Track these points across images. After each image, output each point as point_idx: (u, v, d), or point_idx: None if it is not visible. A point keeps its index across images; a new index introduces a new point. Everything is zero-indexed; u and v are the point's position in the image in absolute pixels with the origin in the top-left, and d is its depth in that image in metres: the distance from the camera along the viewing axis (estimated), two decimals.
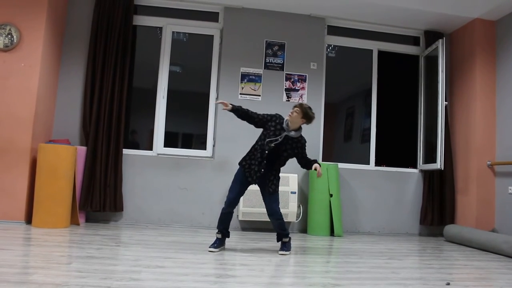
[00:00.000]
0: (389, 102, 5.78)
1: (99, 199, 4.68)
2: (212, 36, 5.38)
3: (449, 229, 5.02)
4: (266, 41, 5.34)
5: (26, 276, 2.38)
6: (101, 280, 2.40)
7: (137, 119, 5.51)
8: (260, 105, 5.14)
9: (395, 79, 5.97)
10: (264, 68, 5.31)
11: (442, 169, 5.19)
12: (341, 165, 5.32)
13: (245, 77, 5.26)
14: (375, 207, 5.44)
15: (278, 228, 3.61)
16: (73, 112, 4.92)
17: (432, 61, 5.52)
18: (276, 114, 3.60)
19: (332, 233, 5.02)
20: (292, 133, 3.50)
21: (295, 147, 3.54)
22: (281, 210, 3.67)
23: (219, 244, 3.60)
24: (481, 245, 4.42)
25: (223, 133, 5.14)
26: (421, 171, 5.61)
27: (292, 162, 3.71)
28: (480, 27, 5.25)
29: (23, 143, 4.29)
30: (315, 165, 3.52)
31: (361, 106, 6.05)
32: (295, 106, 3.52)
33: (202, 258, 3.22)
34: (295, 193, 4.92)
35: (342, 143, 6.33)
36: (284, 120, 3.54)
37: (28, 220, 4.29)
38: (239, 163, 3.63)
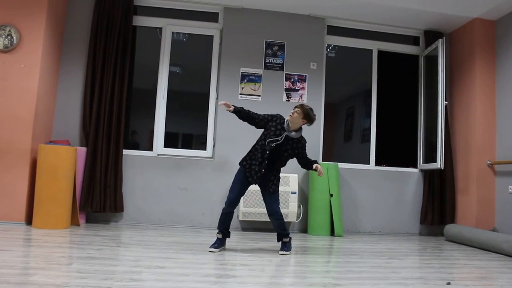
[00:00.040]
0: (389, 102, 5.79)
1: (99, 199, 4.68)
2: (212, 36, 5.38)
3: (450, 228, 5.02)
4: (266, 41, 5.34)
5: (27, 277, 2.38)
6: (101, 280, 2.40)
7: (137, 120, 5.51)
8: (260, 105, 5.14)
9: (395, 79, 5.97)
10: (264, 68, 5.31)
11: (442, 168, 5.19)
12: (341, 165, 5.32)
13: (245, 77, 5.26)
14: (375, 207, 5.44)
15: (279, 228, 3.61)
16: (73, 112, 4.92)
17: (432, 61, 5.52)
18: (277, 114, 3.60)
19: (332, 233, 5.02)
20: (293, 134, 3.50)
21: (295, 148, 3.54)
22: (282, 210, 3.67)
23: (219, 244, 3.60)
24: (482, 245, 4.42)
25: (223, 133, 5.14)
26: (421, 170, 5.61)
27: (292, 163, 3.71)
28: (480, 27, 5.25)
29: (23, 144, 4.29)
30: (316, 164, 3.52)
31: (361, 106, 6.05)
32: (296, 107, 3.52)
33: (203, 259, 3.22)
34: (295, 193, 4.92)
35: (342, 143, 6.33)
36: (285, 120, 3.54)
37: (29, 221, 4.29)
38: (240, 163, 3.64)
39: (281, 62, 5.35)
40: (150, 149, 5.19)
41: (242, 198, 3.73)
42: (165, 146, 5.17)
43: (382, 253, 3.96)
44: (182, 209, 5.01)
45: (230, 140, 5.10)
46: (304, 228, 5.17)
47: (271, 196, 3.56)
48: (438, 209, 5.41)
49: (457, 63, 5.63)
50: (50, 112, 4.79)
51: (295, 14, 5.41)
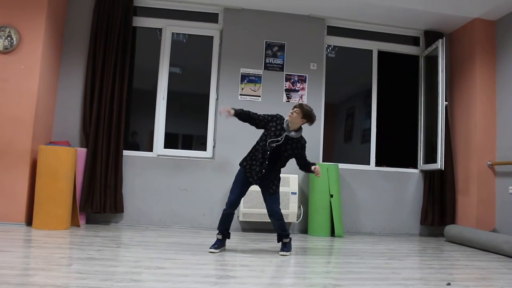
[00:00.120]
0: (389, 103, 5.78)
1: (100, 200, 4.68)
2: (212, 37, 5.38)
3: (450, 229, 5.01)
4: (266, 41, 5.34)
5: (27, 278, 2.38)
6: (101, 281, 2.39)
7: (137, 120, 5.51)
8: (260, 106, 5.14)
9: (395, 79, 5.97)
10: (264, 69, 5.31)
11: (443, 169, 5.19)
12: (341, 166, 5.32)
13: (245, 78, 5.26)
14: (376, 207, 5.43)
15: (279, 228, 3.61)
16: (73, 113, 4.92)
17: (432, 61, 5.52)
18: (277, 114, 3.60)
19: (332, 233, 5.02)
20: (292, 134, 3.50)
21: (295, 148, 3.54)
22: (282, 211, 3.67)
23: (219, 245, 3.59)
24: (482, 245, 4.41)
25: (223, 134, 5.14)
26: (422, 171, 5.60)
27: (293, 163, 3.70)
28: (480, 27, 5.25)
29: (23, 145, 4.29)
30: (314, 166, 3.53)
31: (361, 106, 6.05)
32: (295, 107, 3.53)
33: (203, 259, 3.22)
34: (295, 193, 4.91)
35: (343, 144, 6.33)
36: (284, 120, 3.54)
37: (29, 222, 4.29)
38: (240, 164, 3.64)
39: (281, 63, 5.35)
40: (150, 149, 5.19)
41: (242, 199, 3.73)
42: (165, 147, 5.17)
43: (383, 253, 3.96)
44: (182, 210, 5.01)
45: (230, 141, 5.10)
46: (304, 229, 5.17)
47: (271, 197, 3.57)
48: (438, 210, 5.41)
49: (457, 63, 5.62)
50: (50, 113, 4.79)
51: (295, 15, 5.41)
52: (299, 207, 5.10)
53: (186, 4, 5.27)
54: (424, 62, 5.74)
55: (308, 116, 3.50)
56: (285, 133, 3.49)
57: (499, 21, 5.22)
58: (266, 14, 5.35)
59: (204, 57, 5.40)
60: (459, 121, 5.49)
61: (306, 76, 5.39)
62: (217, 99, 5.26)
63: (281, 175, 3.68)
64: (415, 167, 5.68)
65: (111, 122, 4.81)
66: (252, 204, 4.75)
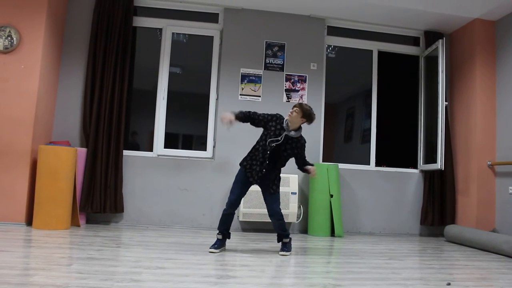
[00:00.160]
0: (389, 103, 5.78)
1: (100, 200, 4.68)
2: (212, 37, 5.38)
3: (450, 229, 5.01)
4: (266, 42, 5.34)
5: (27, 278, 2.38)
6: (101, 281, 2.40)
7: (137, 120, 5.51)
8: (260, 106, 5.14)
9: (395, 80, 5.97)
10: (264, 69, 5.31)
11: (443, 169, 5.19)
12: (341, 166, 5.32)
13: (245, 78, 5.27)
14: (376, 207, 5.44)
15: (279, 228, 3.61)
16: (73, 113, 4.92)
17: (432, 61, 5.52)
18: (277, 114, 3.60)
19: (332, 233, 5.02)
20: (292, 133, 3.50)
21: (294, 147, 3.54)
22: (282, 211, 3.67)
23: (219, 245, 3.60)
24: (482, 245, 4.41)
25: (223, 134, 5.14)
26: (422, 171, 5.60)
27: (293, 163, 3.71)
28: (480, 27, 5.25)
29: (23, 145, 4.29)
30: (309, 167, 3.55)
31: (361, 106, 6.05)
32: (294, 106, 3.53)
33: (203, 259, 3.22)
34: (295, 193, 4.92)
35: (343, 144, 6.33)
36: (284, 120, 3.54)
37: (29, 222, 4.29)
38: (240, 164, 3.64)
39: (281, 63, 5.35)
40: (150, 149, 5.19)
41: (242, 199, 3.73)
42: (165, 147, 5.17)
43: (383, 253, 3.96)
44: (182, 210, 5.01)
45: (230, 141, 5.10)
46: (304, 229, 5.17)
47: (272, 197, 3.57)
48: (438, 210, 5.41)
49: (457, 63, 5.62)
50: (50, 113, 4.79)
51: (295, 15, 5.41)
52: (299, 207, 5.10)
53: (186, 4, 5.28)
54: (424, 62, 5.75)
55: (307, 115, 3.50)
56: (285, 133, 3.49)
57: (499, 21, 5.22)
58: (266, 14, 5.35)
59: (204, 57, 5.41)
60: (459, 121, 5.49)
61: (306, 76, 5.39)
62: (217, 99, 5.26)
63: (281, 175, 3.69)
64: (415, 167, 5.68)
65: (111, 122, 4.81)
66: (252, 204, 4.75)
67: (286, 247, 3.63)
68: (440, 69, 5.24)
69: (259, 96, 5.27)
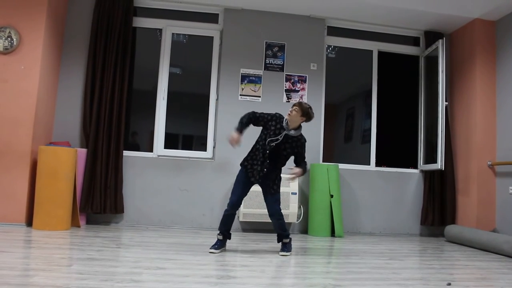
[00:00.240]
0: (389, 103, 5.78)
1: (100, 201, 4.68)
2: (212, 37, 5.38)
3: (450, 229, 5.01)
4: (266, 42, 5.34)
5: (27, 279, 2.38)
6: (101, 282, 2.39)
7: (137, 121, 5.51)
8: (260, 106, 5.14)
9: (395, 80, 5.97)
10: (264, 69, 5.31)
11: (443, 169, 5.19)
12: (341, 166, 5.32)
13: (245, 78, 5.27)
14: (376, 207, 5.43)
15: (279, 228, 3.61)
16: (73, 113, 4.92)
17: (432, 61, 5.52)
18: (276, 113, 3.61)
19: (332, 233, 5.01)
20: (292, 132, 3.50)
21: (295, 146, 3.55)
22: (282, 211, 3.66)
23: (220, 245, 3.60)
24: (482, 245, 4.41)
25: (223, 134, 5.12)
26: (422, 171, 5.60)
27: (292, 163, 3.70)
28: (480, 27, 5.25)
29: (23, 145, 4.29)
30: (297, 169, 3.54)
31: (361, 106, 6.05)
32: (294, 105, 3.54)
33: (203, 260, 3.22)
34: (295, 194, 4.91)
35: (343, 144, 6.33)
36: (284, 119, 3.55)
37: (29, 222, 4.29)
38: (241, 164, 3.64)
39: (281, 63, 5.35)
40: (151, 150, 5.19)
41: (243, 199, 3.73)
42: (165, 147, 5.17)
43: (383, 254, 3.96)
44: (182, 210, 5.01)
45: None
46: (304, 229, 5.17)
47: (272, 196, 3.57)
48: (438, 210, 5.41)
49: (457, 63, 5.62)
50: (50, 113, 4.79)
51: (295, 15, 5.41)
52: (299, 207, 5.10)
53: (186, 5, 5.27)
54: (424, 62, 5.74)
55: (306, 113, 3.51)
56: (285, 132, 3.50)
57: (499, 21, 5.22)
58: (266, 15, 5.35)
59: (204, 57, 5.40)
60: (459, 121, 5.49)
61: (306, 76, 5.39)
62: (217, 100, 5.26)
63: (281, 175, 3.68)
64: (415, 167, 5.68)
65: (111, 122, 4.81)
66: (252, 205, 4.75)
67: (286, 248, 3.63)
68: (440, 69, 5.24)
69: (259, 97, 5.27)
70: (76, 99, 4.94)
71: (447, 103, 5.36)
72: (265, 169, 3.51)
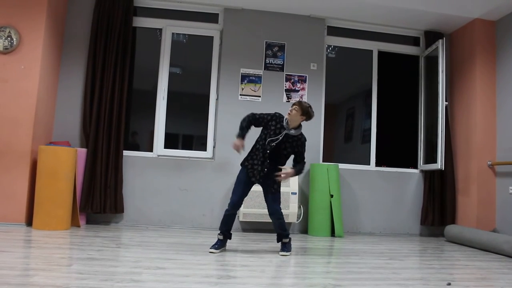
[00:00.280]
0: (389, 103, 5.78)
1: (100, 201, 4.68)
2: (212, 37, 5.38)
3: (450, 229, 5.01)
4: (266, 42, 5.34)
5: (27, 278, 2.38)
6: (101, 281, 2.39)
7: (137, 121, 5.51)
8: (260, 106, 5.14)
9: (395, 80, 5.97)
10: (264, 69, 5.31)
11: (443, 169, 5.19)
12: (341, 166, 5.32)
13: (245, 78, 5.26)
14: (376, 207, 5.43)
15: (279, 228, 3.61)
16: (73, 113, 4.92)
17: (432, 61, 5.52)
18: (276, 113, 3.61)
19: (332, 233, 5.01)
20: (292, 131, 3.51)
21: (295, 146, 3.55)
22: (282, 211, 3.66)
23: (220, 245, 3.60)
24: (482, 245, 4.41)
25: (223, 134, 5.14)
26: (422, 171, 5.60)
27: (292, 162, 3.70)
28: (480, 27, 5.25)
29: (23, 145, 4.29)
30: (290, 169, 3.53)
31: (361, 106, 6.05)
32: (293, 104, 3.54)
33: (203, 259, 3.22)
34: (295, 194, 4.91)
35: (343, 144, 6.33)
36: (284, 118, 3.55)
37: (29, 222, 4.29)
38: (241, 164, 3.65)
39: (281, 63, 5.35)
40: (151, 150, 5.19)
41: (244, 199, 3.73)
42: (165, 147, 5.17)
43: (383, 253, 3.96)
44: (182, 210, 5.01)
45: (230, 141, 5.02)
46: (304, 229, 5.17)
47: (273, 196, 3.57)
48: (438, 210, 5.41)
49: (457, 63, 5.62)
50: (50, 113, 4.79)
51: (295, 15, 5.41)
52: (299, 207, 5.10)
53: (186, 4, 5.27)
54: (424, 62, 5.74)
55: (306, 112, 3.51)
56: (285, 131, 3.50)
57: (499, 21, 5.22)
58: (266, 14, 5.35)
59: (204, 57, 5.40)
60: (459, 121, 5.49)
61: (306, 76, 5.39)
62: (217, 99, 5.26)
63: None
64: (415, 167, 5.68)
65: (111, 122, 4.81)
66: (253, 204, 4.75)
67: (286, 247, 3.63)
68: (440, 69, 5.23)
69: (259, 96, 5.26)
70: (76, 99, 4.94)
71: (447, 103, 5.36)
72: (265, 169, 3.52)
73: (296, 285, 2.64)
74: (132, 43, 5.08)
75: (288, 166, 3.66)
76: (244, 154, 3.69)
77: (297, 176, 4.90)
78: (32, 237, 3.75)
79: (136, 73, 5.36)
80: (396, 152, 5.79)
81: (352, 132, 6.24)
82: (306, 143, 3.63)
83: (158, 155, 5.12)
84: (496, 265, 3.65)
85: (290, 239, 3.68)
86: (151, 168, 5.01)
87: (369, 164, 5.60)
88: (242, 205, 4.66)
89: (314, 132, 5.25)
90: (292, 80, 5.35)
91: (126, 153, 4.94)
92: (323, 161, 5.44)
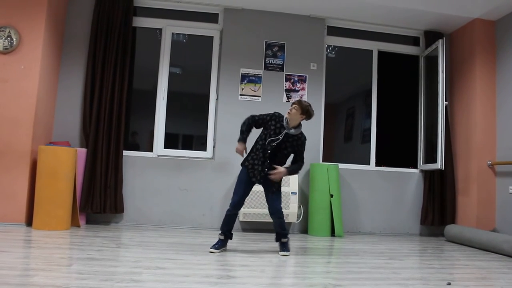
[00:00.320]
0: (389, 103, 5.78)
1: (100, 201, 4.68)
2: (212, 37, 5.38)
3: (450, 229, 5.01)
4: (266, 42, 5.34)
5: (27, 278, 2.38)
6: (101, 281, 2.39)
7: (137, 121, 5.51)
8: (260, 106, 5.14)
9: (395, 80, 5.97)
10: (264, 69, 5.31)
11: (443, 169, 5.19)
12: (341, 166, 5.32)
13: (245, 78, 5.26)
14: (376, 207, 5.43)
15: (279, 227, 3.62)
16: (73, 113, 4.92)
17: (432, 61, 5.52)
18: (275, 112, 3.61)
19: (332, 233, 5.01)
20: (292, 131, 3.51)
21: (295, 145, 3.55)
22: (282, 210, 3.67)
23: (220, 245, 3.60)
24: (482, 245, 4.41)
25: (223, 134, 5.14)
26: (422, 171, 5.60)
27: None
28: (480, 27, 5.25)
29: (23, 145, 4.29)
30: (282, 168, 3.52)
31: (361, 106, 6.05)
32: (293, 103, 3.55)
33: (203, 259, 3.22)
34: (295, 193, 4.91)
35: (343, 144, 6.33)
36: (284, 118, 3.55)
37: (29, 222, 4.29)
38: (242, 164, 3.65)
39: (281, 63, 5.35)
40: (150, 150, 5.19)
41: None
42: (165, 147, 5.17)
43: (383, 253, 3.96)
44: (182, 210, 5.01)
45: (230, 141, 5.08)
46: (304, 229, 5.17)
47: (274, 195, 3.58)
48: (438, 210, 5.41)
49: (457, 63, 5.62)
50: (50, 113, 4.79)
51: (295, 15, 5.41)
52: (299, 207, 5.10)
53: (186, 4, 5.27)
54: (424, 62, 5.74)
55: (306, 111, 3.51)
56: (285, 131, 3.50)
57: (499, 21, 5.22)
58: (266, 14, 5.35)
59: (204, 57, 5.40)
60: (459, 121, 5.49)
61: (306, 76, 5.39)
62: (217, 99, 5.26)
63: None
64: (415, 167, 5.68)
65: (111, 122, 4.81)
66: (252, 204, 4.75)
67: (285, 247, 3.63)
68: (440, 69, 5.23)
69: (259, 96, 5.26)
70: (76, 99, 4.94)
71: (447, 103, 5.36)
72: (266, 169, 3.52)
73: (296, 285, 2.64)
74: (132, 43, 5.08)
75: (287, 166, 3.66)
76: (245, 154, 3.70)
77: (297, 176, 4.95)
78: (32, 237, 3.75)
79: (136, 73, 5.36)
80: (396, 152, 5.79)
81: (352, 132, 6.24)
82: (306, 143, 3.64)
83: (158, 155, 5.12)
84: (496, 264, 3.65)
85: (288, 239, 3.68)
86: (151, 168, 5.01)
87: (369, 164, 5.60)
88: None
89: (314, 132, 5.25)
90: (292, 80, 5.35)
91: (126, 153, 4.94)
92: (323, 161, 5.44)
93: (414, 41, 5.89)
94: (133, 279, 2.51)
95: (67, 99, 4.93)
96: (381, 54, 5.78)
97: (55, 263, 2.79)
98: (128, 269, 2.76)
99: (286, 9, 5.32)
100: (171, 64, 5.31)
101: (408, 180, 5.56)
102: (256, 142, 3.61)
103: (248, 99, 5.24)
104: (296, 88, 5.35)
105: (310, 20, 5.46)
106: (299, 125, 3.57)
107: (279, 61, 5.34)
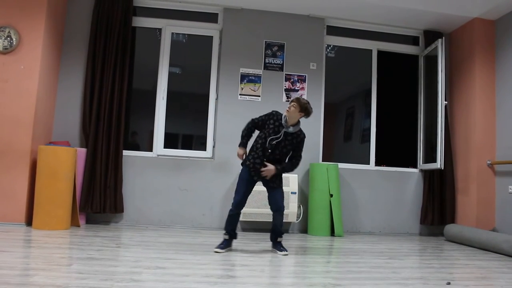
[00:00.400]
0: (389, 102, 5.79)
1: (99, 200, 4.68)
2: (212, 37, 5.38)
3: (450, 228, 5.01)
4: (266, 41, 5.34)
5: (27, 278, 2.38)
6: (101, 281, 2.40)
7: (137, 120, 5.51)
8: (259, 106, 5.14)
9: (395, 79, 5.97)
10: (264, 69, 5.31)
11: (442, 168, 5.19)
12: (341, 165, 5.32)
13: (244, 78, 5.27)
14: (376, 207, 5.44)
15: (279, 225, 3.63)
16: (73, 113, 4.92)
17: (431, 60, 5.52)
18: (273, 111, 3.62)
19: (332, 233, 5.02)
20: (291, 129, 3.52)
21: (294, 143, 3.57)
22: None
23: (226, 245, 3.61)
24: (482, 245, 4.42)
25: (223, 133, 5.14)
26: (421, 170, 5.61)
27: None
28: (479, 26, 5.25)
29: (23, 145, 4.29)
30: (271, 166, 3.51)
31: (361, 106, 6.05)
32: (292, 101, 3.56)
33: (203, 259, 3.22)
34: (295, 193, 4.91)
35: (342, 143, 6.33)
36: (282, 116, 3.55)
37: (29, 222, 4.29)
38: (243, 163, 3.65)
39: (281, 63, 5.35)
40: (150, 149, 5.19)
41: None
42: (165, 147, 5.17)
43: (382, 253, 3.96)
44: (182, 210, 5.01)
45: (230, 141, 5.09)
46: (304, 229, 5.17)
47: (276, 191, 3.59)
48: (438, 209, 5.41)
49: (456, 63, 5.63)
50: (49, 113, 4.79)
51: (295, 15, 5.41)
52: (299, 206, 5.10)
53: (186, 4, 5.27)
54: (423, 62, 5.75)
55: (305, 108, 3.52)
56: (284, 129, 3.50)
57: (499, 20, 5.22)
58: (266, 14, 5.35)
59: (204, 57, 5.40)
60: (459, 120, 5.50)
61: (305, 76, 5.39)
62: (217, 99, 5.26)
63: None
64: (415, 166, 5.68)
65: (111, 122, 4.81)
66: (253, 204, 4.75)
67: (282, 247, 3.65)
68: (440, 68, 5.24)
69: (259, 96, 5.27)
70: (76, 99, 4.94)
71: (446, 102, 5.36)
72: (266, 167, 3.53)
73: (296, 284, 2.65)
74: (132, 43, 5.08)
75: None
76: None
77: (296, 176, 4.96)
78: (32, 237, 3.75)
79: (136, 73, 5.36)
80: (395, 152, 5.79)
81: (352, 131, 6.24)
82: (306, 141, 3.64)
83: (158, 155, 5.12)
84: (495, 264, 3.65)
85: (282, 238, 3.70)
86: (151, 168, 5.02)
87: (368, 164, 5.60)
88: None
89: (313, 132, 5.25)
90: (292, 80, 5.36)
91: (126, 153, 4.94)
92: (322, 160, 5.44)
93: (414, 40, 5.90)
94: (133, 278, 2.51)
95: (67, 99, 4.93)
96: (380, 53, 5.78)
97: (55, 262, 2.79)
98: (128, 269, 2.76)
99: (285, 9, 5.32)
100: (171, 64, 5.31)
101: (408, 180, 5.56)
102: (256, 141, 3.62)
103: (247, 98, 5.24)
104: (296, 88, 5.36)
105: (310, 20, 5.46)
106: (298, 123, 3.58)
107: (278, 61, 5.34)
